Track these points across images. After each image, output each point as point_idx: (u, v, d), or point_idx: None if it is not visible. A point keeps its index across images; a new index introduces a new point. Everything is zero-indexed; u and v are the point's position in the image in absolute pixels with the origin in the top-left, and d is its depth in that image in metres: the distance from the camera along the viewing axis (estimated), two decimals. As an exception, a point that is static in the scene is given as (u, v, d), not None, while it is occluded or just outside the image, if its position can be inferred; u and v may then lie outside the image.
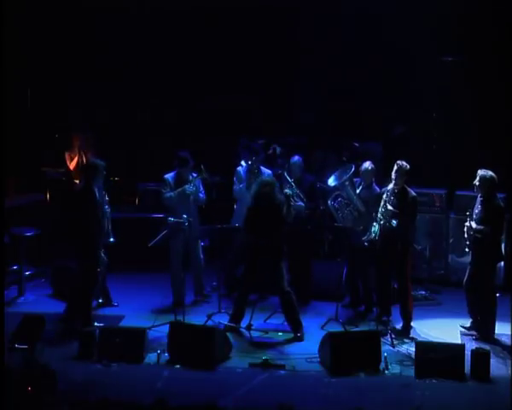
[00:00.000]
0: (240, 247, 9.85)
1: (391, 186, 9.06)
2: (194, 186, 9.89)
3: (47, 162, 12.58)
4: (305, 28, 12.56)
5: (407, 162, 9.07)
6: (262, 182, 9.14)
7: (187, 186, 9.84)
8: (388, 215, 8.95)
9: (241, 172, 10.30)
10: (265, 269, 9.06)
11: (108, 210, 9.47)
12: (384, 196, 9.06)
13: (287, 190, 9.54)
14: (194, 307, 9.93)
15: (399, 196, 9.02)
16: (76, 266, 9.12)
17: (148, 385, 7.60)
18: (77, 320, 8.92)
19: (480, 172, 8.86)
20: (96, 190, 9.02)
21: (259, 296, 9.90)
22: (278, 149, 11.40)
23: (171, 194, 9.84)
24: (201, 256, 10.15)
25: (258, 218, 8.87)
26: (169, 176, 9.96)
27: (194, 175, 9.95)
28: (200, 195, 10.06)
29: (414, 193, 9.15)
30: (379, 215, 8.99)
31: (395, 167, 9.02)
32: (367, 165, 9.70)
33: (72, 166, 12.54)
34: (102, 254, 9.24)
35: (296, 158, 10.23)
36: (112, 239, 9.48)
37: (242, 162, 10.37)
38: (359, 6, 11.94)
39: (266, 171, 10.27)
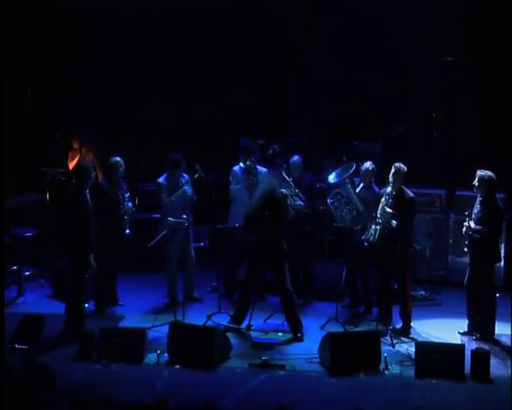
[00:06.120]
0: (239, 247, 9.84)
1: (389, 189, 9.06)
2: (191, 187, 9.91)
3: (47, 162, 12.57)
4: (305, 28, 12.54)
5: (407, 162, 9.08)
6: (269, 181, 9.13)
7: (187, 187, 9.85)
8: (387, 217, 8.95)
9: (238, 172, 10.30)
10: (268, 269, 9.06)
11: (131, 206, 9.81)
12: (382, 198, 9.07)
13: (283, 190, 9.53)
14: (194, 308, 9.90)
15: (397, 198, 9.03)
16: (68, 267, 9.12)
17: (147, 385, 7.60)
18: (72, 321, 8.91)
19: (479, 172, 8.86)
20: (88, 193, 9.00)
21: (258, 296, 9.89)
22: (278, 150, 11.39)
23: (172, 198, 9.82)
24: (193, 256, 10.14)
25: (260, 215, 8.87)
26: (162, 179, 9.94)
27: (186, 176, 9.95)
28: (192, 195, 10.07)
29: (411, 194, 9.16)
30: (378, 217, 9.00)
31: (392, 170, 9.02)
32: (368, 165, 9.70)
33: (72, 166, 12.53)
34: (92, 260, 9.07)
35: (296, 158, 10.22)
36: (128, 231, 9.73)
37: (241, 163, 10.35)
38: (359, 5, 11.93)
39: (262, 170, 10.27)
